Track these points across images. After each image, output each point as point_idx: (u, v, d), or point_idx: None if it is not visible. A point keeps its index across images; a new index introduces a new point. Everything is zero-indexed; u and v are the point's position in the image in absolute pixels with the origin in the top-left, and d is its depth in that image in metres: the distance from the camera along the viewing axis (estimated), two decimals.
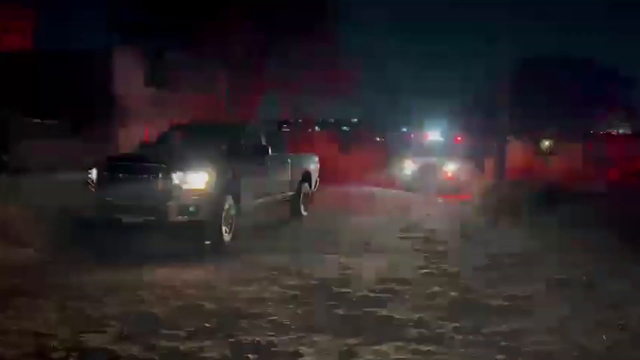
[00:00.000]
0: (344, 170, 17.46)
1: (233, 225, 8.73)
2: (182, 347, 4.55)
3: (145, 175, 8.17)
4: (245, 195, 9.07)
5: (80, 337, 4.71)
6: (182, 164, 8.19)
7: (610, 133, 34.42)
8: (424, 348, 4.62)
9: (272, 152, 9.84)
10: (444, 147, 20.29)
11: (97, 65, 15.73)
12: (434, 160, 19.04)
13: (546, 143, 23.89)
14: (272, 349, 4.57)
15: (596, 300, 6.07)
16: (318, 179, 12.38)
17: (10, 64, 15.69)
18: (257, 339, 4.73)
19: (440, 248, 8.83)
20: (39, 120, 14.19)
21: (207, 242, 8.23)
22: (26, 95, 14.29)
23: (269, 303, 5.75)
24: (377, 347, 4.60)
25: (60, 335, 4.71)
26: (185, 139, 10.13)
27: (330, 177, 14.16)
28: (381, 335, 4.84)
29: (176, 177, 8.05)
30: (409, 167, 19.28)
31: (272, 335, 4.81)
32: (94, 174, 8.41)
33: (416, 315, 5.40)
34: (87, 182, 8.46)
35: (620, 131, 35.63)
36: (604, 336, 4.93)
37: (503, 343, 4.74)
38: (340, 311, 5.53)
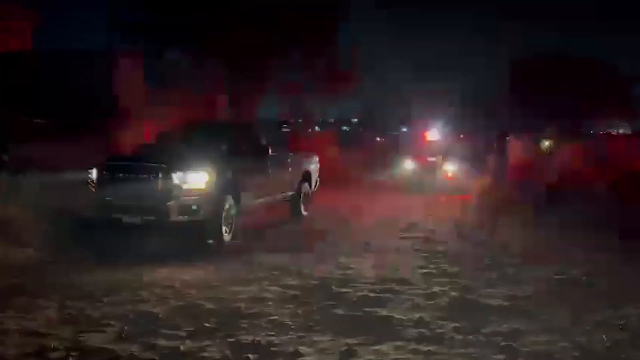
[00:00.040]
0: (344, 170, 17.45)
1: (233, 225, 8.74)
2: (182, 347, 4.55)
3: (145, 175, 8.17)
4: (245, 195, 9.07)
5: (80, 337, 4.71)
6: (182, 164, 8.19)
7: (610, 133, 34.40)
8: (424, 348, 4.63)
9: (272, 152, 9.85)
10: (443, 147, 20.28)
11: (97, 65, 15.72)
12: (434, 160, 19.04)
13: (546, 143, 23.84)
14: (272, 348, 4.57)
15: (596, 300, 6.07)
16: (318, 179, 12.38)
17: (10, 64, 15.68)
18: (257, 338, 4.73)
19: (440, 248, 8.83)
20: (39, 120, 14.18)
21: (207, 242, 8.24)
22: (26, 95, 14.28)
23: (269, 303, 5.75)
24: (377, 347, 4.60)
25: (60, 335, 4.71)
26: (185, 139, 10.13)
27: (330, 177, 14.16)
28: (381, 335, 4.85)
29: (176, 177, 8.05)
30: (409, 167, 19.28)
31: (272, 335, 4.82)
32: (94, 174, 8.41)
33: (416, 315, 5.40)
34: (87, 182, 8.47)
35: (621, 131, 35.61)
36: (604, 336, 4.93)
37: (503, 343, 4.74)
38: (340, 311, 5.53)
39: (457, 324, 5.15)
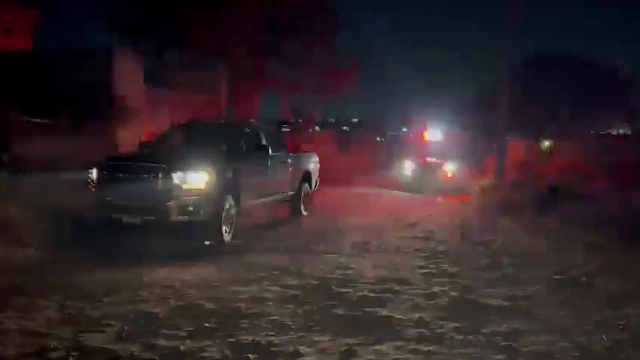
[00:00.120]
0: (344, 170, 17.45)
1: (233, 225, 8.74)
2: (182, 347, 4.55)
3: (145, 175, 8.18)
4: (245, 195, 9.07)
5: (80, 337, 4.71)
6: (182, 164, 8.19)
7: (610, 133, 34.39)
8: (424, 348, 4.62)
9: (272, 152, 9.85)
10: (443, 147, 20.27)
11: (97, 65, 15.71)
12: (434, 161, 19.03)
13: (546, 143, 23.83)
14: (272, 348, 4.57)
15: (596, 300, 6.07)
16: (318, 179, 12.39)
17: (10, 64, 15.68)
18: (257, 338, 4.73)
19: (440, 248, 8.83)
20: (39, 120, 14.18)
21: (207, 242, 8.24)
22: (26, 95, 14.27)
23: (269, 303, 5.75)
24: (377, 347, 4.60)
25: (60, 335, 4.71)
26: (185, 139, 10.14)
27: (330, 177, 14.16)
28: (381, 335, 4.84)
29: (176, 177, 8.06)
30: (409, 167, 19.28)
31: (272, 335, 4.81)
32: (94, 173, 8.42)
33: (416, 315, 5.40)
34: (87, 182, 8.47)
35: (621, 131, 35.60)
36: (604, 336, 4.93)
37: (503, 343, 4.74)
38: (340, 311, 5.53)
39: (457, 324, 5.15)
